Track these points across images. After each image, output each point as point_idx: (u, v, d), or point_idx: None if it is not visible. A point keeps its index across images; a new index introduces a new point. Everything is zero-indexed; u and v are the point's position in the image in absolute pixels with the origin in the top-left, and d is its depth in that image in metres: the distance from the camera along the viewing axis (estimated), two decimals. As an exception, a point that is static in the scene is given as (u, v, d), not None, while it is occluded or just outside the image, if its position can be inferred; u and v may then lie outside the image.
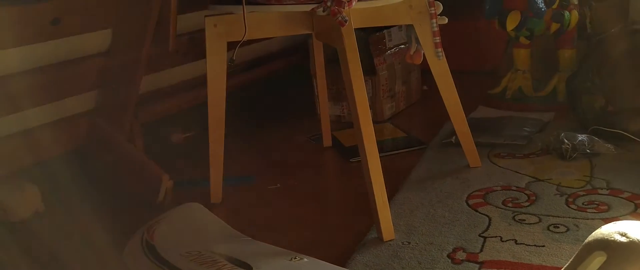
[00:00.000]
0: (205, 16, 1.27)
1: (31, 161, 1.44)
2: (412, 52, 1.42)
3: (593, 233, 0.68)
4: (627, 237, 0.65)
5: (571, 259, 0.67)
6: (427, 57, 1.37)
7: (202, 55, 1.35)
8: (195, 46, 1.61)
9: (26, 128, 1.38)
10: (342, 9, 1.12)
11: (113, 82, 1.43)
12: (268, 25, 1.29)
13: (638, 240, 0.64)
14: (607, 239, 0.65)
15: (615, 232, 0.66)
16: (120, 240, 1.24)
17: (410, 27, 1.38)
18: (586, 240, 0.68)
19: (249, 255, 1.07)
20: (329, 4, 1.13)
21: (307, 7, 1.19)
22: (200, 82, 1.53)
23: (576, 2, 1.88)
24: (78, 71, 1.38)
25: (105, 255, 1.22)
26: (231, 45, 1.27)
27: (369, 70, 1.88)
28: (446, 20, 1.36)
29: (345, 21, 1.12)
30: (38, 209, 1.44)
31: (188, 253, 1.10)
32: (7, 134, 1.34)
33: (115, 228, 1.35)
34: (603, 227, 0.68)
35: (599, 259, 0.65)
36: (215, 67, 1.29)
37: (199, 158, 1.67)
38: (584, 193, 1.28)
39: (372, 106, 1.93)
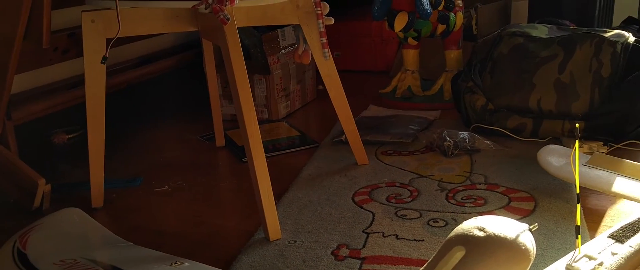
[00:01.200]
0: (82, 11, 1.21)
1: None
2: (300, 52, 1.42)
3: (455, 229, 0.71)
4: (485, 232, 0.68)
5: (434, 254, 0.69)
6: (314, 57, 1.39)
7: (82, 52, 1.28)
8: (75, 43, 1.53)
9: None
10: (224, 7, 1.10)
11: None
12: (151, 22, 1.24)
13: (495, 234, 0.68)
14: (466, 234, 0.68)
15: (474, 227, 0.69)
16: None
17: (297, 27, 1.38)
18: (449, 236, 0.71)
19: (129, 261, 1.04)
20: (210, 1, 1.11)
21: (189, 4, 1.16)
22: (83, 80, 1.46)
23: (461, 5, 1.96)
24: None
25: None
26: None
27: (264, 69, 1.88)
28: (333, 21, 1.37)
29: (228, 20, 1.10)
30: None
31: (62, 261, 1.04)
32: None
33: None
34: (464, 222, 0.71)
35: (458, 254, 0.67)
36: (93, 65, 1.23)
37: (83, 160, 1.59)
38: (463, 188, 1.34)
39: (267, 105, 1.92)
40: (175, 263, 1.01)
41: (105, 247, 1.15)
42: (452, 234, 0.71)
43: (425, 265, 0.69)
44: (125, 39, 1.72)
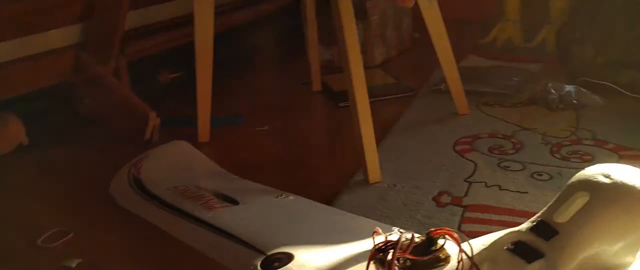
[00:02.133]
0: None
1: (15, 94, 1.43)
2: (404, -5, 1.39)
3: (576, 175, 0.69)
4: (611, 179, 0.65)
5: (554, 199, 0.67)
6: (418, 1, 1.35)
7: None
8: (184, -18, 1.57)
9: (9, 60, 1.35)
10: (336, -54, 1.09)
11: (98, 15, 1.40)
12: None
13: (621, 181, 0.65)
14: (591, 180, 0.66)
15: (599, 174, 0.66)
16: (105, 175, 1.24)
17: (404, -31, 1.35)
18: (569, 181, 0.68)
19: (235, 191, 1.08)
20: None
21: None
22: (188, 20, 1.50)
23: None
24: (62, 2, 1.34)
25: (91, 188, 1.22)
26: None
27: (360, 14, 1.86)
28: (441, -36, 1.33)
29: (338, -41, 1.09)
30: (22, 142, 1.43)
31: (175, 187, 1.10)
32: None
33: (101, 162, 1.35)
34: (586, 169, 0.69)
35: (581, 199, 0.65)
36: (203, 4, 1.26)
37: (186, 98, 1.65)
38: (569, 143, 1.29)
39: (363, 51, 1.91)
40: (281, 195, 1.04)
41: (212, 177, 1.20)
42: (573, 179, 0.68)
43: (544, 209, 0.67)
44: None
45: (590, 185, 0.66)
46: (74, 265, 0.94)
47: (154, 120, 1.40)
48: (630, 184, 0.65)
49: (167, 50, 1.70)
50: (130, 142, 1.43)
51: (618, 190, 0.64)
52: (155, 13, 1.61)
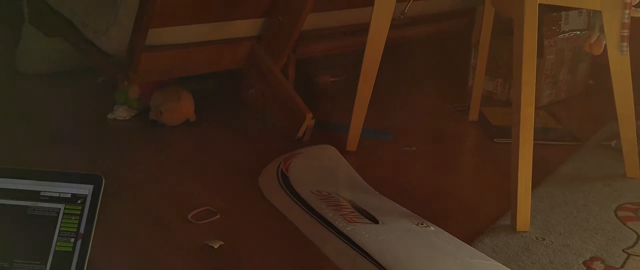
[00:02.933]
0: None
1: (195, 73, 1.54)
2: (592, 41, 1.30)
3: None
4: None
5: None
6: (608, 50, 1.26)
7: (368, 2, 1.33)
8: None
9: (196, 41, 1.45)
10: (530, -20, 1.04)
11: (281, 13, 1.47)
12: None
13: None
14: None
15: None
16: (257, 164, 1.30)
17: (596, 13, 1.26)
18: None
19: (376, 208, 1.08)
20: (517, -29, 1.06)
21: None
22: (360, 29, 1.52)
23: None
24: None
25: (242, 174, 1.28)
26: (401, -2, 1.24)
27: (536, 51, 1.76)
28: (642, 13, 1.22)
29: (531, -7, 1.05)
30: (190, 118, 1.54)
31: (319, 192, 1.12)
32: (179, 42, 1.42)
33: (255, 151, 1.42)
34: None
35: None
36: (381, 17, 1.27)
37: (341, 104, 1.68)
38: None
39: (529, 89, 1.82)
40: (422, 224, 1.02)
41: (354, 189, 1.21)
42: None
43: None
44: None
45: None
46: (216, 246, 0.99)
47: (309, 121, 1.44)
48: None
49: (333, 54, 1.74)
50: (283, 137, 1.48)
51: None
52: (332, 18, 1.65)
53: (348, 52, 1.71)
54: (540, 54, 1.76)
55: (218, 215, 1.10)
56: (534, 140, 1.44)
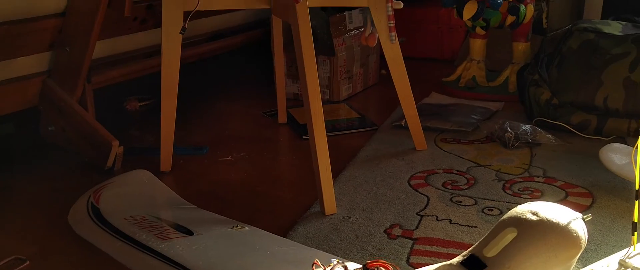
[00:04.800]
0: (163, -16, 1.27)
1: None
2: (366, 35, 1.45)
3: (509, 211, 0.73)
4: (538, 216, 0.69)
5: (486, 234, 0.71)
6: (380, 41, 1.41)
7: (159, 23, 1.35)
8: (154, 14, 1.61)
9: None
10: (297, -14, 1.14)
11: (67, 44, 1.42)
12: (226, -2, 1.30)
13: (547, 218, 0.69)
14: (519, 216, 0.70)
15: (528, 211, 0.70)
16: (67, 202, 1.25)
17: (366, 9, 1.40)
18: (502, 218, 0.72)
19: (192, 221, 1.10)
20: (284, -20, 1.15)
21: (264, -18, 1.20)
22: (157, 50, 1.53)
23: (533, -3, 1.93)
24: (32, 30, 1.37)
25: (50, 215, 1.23)
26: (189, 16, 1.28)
27: (329, 51, 1.91)
28: (401, 5, 1.39)
29: (300, -1, 1.14)
30: (-16, 168, 1.43)
31: (132, 217, 1.12)
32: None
33: (63, 189, 1.36)
34: (518, 206, 0.73)
35: (510, 235, 0.69)
36: (171, 36, 1.29)
37: (153, 127, 1.67)
38: (521, 180, 1.34)
39: (330, 86, 1.96)
40: (237, 226, 1.06)
41: (171, 207, 1.22)
42: (505, 216, 0.72)
43: (476, 244, 0.71)
44: (199, 14, 1.78)
45: (518, 222, 0.70)
46: (25, 291, 0.94)
47: (116, 148, 1.41)
48: (554, 221, 0.69)
49: (135, 78, 1.73)
50: (93, 170, 1.44)
51: (543, 227, 0.68)
52: (123, 43, 1.64)
53: (154, 74, 1.71)
54: (332, 53, 1.90)
55: (27, 262, 1.05)
56: (338, 131, 1.55)
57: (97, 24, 1.34)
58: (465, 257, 0.69)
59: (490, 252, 0.69)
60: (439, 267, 0.69)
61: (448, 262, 0.69)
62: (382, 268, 0.65)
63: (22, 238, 1.15)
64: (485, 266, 0.67)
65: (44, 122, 1.53)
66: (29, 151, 1.56)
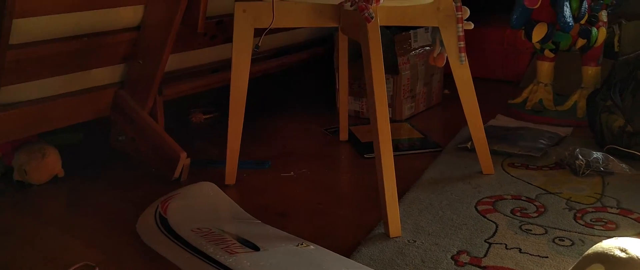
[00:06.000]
0: (235, 1, 1.29)
1: (55, 127, 1.49)
2: (435, 55, 1.43)
3: (593, 246, 0.70)
4: (627, 253, 0.66)
5: (570, 268, 0.68)
6: (449, 61, 1.39)
7: (229, 39, 1.37)
8: (224, 30, 1.64)
9: (52, 94, 1.41)
10: (370, 5, 1.13)
11: (141, 57, 1.47)
12: (296, 15, 1.31)
13: (637, 257, 0.66)
14: (607, 253, 0.67)
15: (616, 247, 0.67)
16: (134, 211, 1.28)
17: (435, 29, 1.39)
18: (586, 252, 0.69)
19: (257, 236, 1.10)
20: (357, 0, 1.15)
21: (336, 1, 1.20)
22: (225, 65, 1.56)
23: (605, 20, 1.87)
24: (109, 43, 1.41)
25: (117, 223, 1.26)
26: (258, 32, 1.30)
27: (392, 69, 1.90)
28: (472, 26, 1.37)
29: (372, 18, 1.14)
30: (58, 174, 1.49)
31: (199, 229, 1.13)
32: (33, 98, 1.38)
33: (131, 198, 1.39)
34: (604, 241, 0.70)
35: (597, 271, 0.66)
36: (241, 52, 1.31)
37: (217, 139, 1.70)
38: (593, 210, 1.29)
39: (392, 105, 1.94)
40: (302, 244, 1.06)
41: (236, 221, 1.23)
42: (590, 251, 0.69)
43: (559, 279, 0.68)
44: (262, 31, 1.81)
45: (605, 258, 0.67)
46: (97, 299, 0.97)
47: (183, 160, 1.44)
48: (645, 259, 0.65)
49: (202, 92, 1.76)
50: (160, 181, 1.47)
51: (632, 266, 0.65)
52: (194, 57, 1.68)
53: (219, 88, 1.74)
54: (396, 71, 1.89)
55: (96, 268, 1.07)
56: (400, 151, 1.53)
57: (171, 39, 1.37)
58: (548, 292, 0.66)
59: (576, 288, 0.66)
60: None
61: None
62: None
63: (91, 245, 1.18)
64: (571, 303, 0.64)
65: (115, 132, 1.58)
66: (96, 160, 1.61)
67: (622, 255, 0.66)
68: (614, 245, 0.68)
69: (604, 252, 0.67)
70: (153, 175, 1.51)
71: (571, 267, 0.68)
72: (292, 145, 1.77)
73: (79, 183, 1.49)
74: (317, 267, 0.96)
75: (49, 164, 1.45)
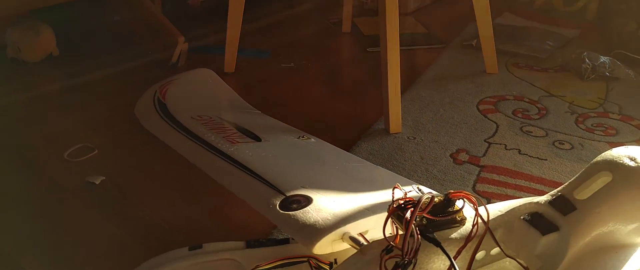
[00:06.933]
0: None
1: (49, 3, 1.43)
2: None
3: (602, 154, 0.69)
4: (636, 162, 0.65)
5: (577, 175, 0.68)
6: (464, -47, 1.32)
7: None
8: None
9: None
10: None
11: None
12: None
13: (646, 166, 0.65)
14: (616, 160, 0.66)
15: (625, 156, 0.66)
16: (131, 94, 1.26)
17: None
18: (594, 160, 0.69)
19: (258, 127, 1.09)
20: None
21: None
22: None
23: None
24: None
25: (116, 106, 1.24)
26: None
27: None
28: None
29: None
30: (52, 52, 1.45)
31: (199, 116, 1.11)
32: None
33: (127, 81, 1.37)
34: (613, 149, 0.69)
35: (604, 179, 0.65)
36: None
37: (215, 25, 1.65)
38: (595, 115, 1.28)
39: (397, -3, 1.87)
40: (303, 137, 1.05)
41: (235, 110, 1.21)
42: (598, 158, 0.68)
43: (565, 185, 0.68)
44: None
45: (614, 166, 0.66)
46: (97, 182, 0.97)
47: (182, 44, 1.40)
48: (654, 169, 0.65)
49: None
50: (157, 65, 1.43)
51: (641, 174, 0.64)
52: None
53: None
54: (405, -39, 1.81)
55: (96, 151, 1.07)
56: (402, 46, 1.50)
57: None
58: (553, 197, 0.66)
59: (581, 194, 0.65)
60: (524, 204, 0.67)
61: (535, 200, 0.66)
62: (465, 199, 0.63)
63: (90, 127, 1.17)
64: (575, 209, 0.64)
65: (110, 12, 1.52)
66: (92, 40, 1.56)
67: (632, 163, 0.65)
68: (623, 153, 0.67)
69: (612, 159, 0.66)
70: (150, 58, 1.47)
71: (578, 174, 0.68)
72: (293, 36, 1.72)
73: (74, 63, 1.45)
74: (318, 160, 0.96)
75: (43, 41, 1.41)
